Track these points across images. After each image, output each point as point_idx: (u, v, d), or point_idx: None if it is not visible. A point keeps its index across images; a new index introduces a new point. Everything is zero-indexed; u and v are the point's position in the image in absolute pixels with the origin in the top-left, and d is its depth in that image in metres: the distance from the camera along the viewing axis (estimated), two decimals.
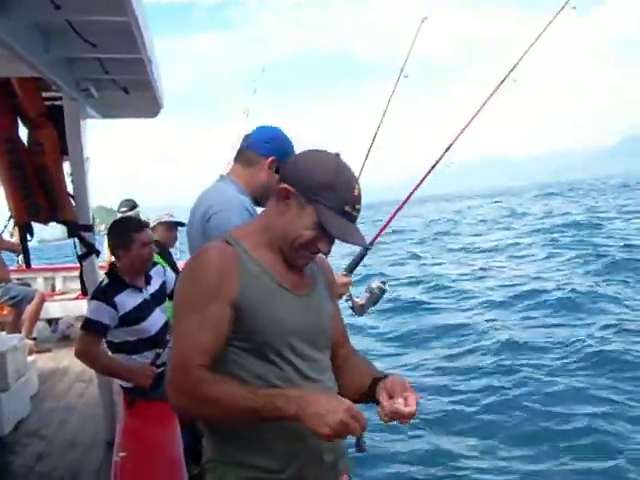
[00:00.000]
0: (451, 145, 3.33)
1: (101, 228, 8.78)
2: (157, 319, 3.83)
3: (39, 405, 5.25)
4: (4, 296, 6.91)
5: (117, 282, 3.76)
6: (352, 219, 1.75)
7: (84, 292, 4.17)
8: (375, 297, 2.95)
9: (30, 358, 5.50)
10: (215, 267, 1.69)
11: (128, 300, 3.71)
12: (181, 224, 5.53)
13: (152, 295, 3.86)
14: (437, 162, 3.36)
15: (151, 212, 6.74)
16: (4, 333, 7.04)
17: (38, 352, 6.62)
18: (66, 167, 4.06)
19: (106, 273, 3.88)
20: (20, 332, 6.66)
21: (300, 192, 1.73)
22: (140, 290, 3.81)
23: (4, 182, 3.86)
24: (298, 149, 2.37)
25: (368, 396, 1.82)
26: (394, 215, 3.47)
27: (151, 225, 5.17)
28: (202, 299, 1.67)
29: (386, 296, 3.06)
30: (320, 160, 1.77)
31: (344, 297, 2.78)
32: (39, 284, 8.31)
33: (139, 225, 3.89)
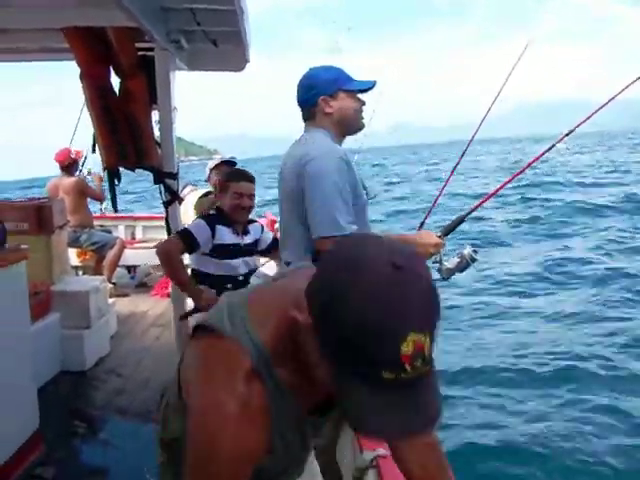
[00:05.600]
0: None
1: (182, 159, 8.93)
2: (243, 265, 4.00)
3: (117, 345, 5.50)
4: (87, 241, 7.22)
5: (223, 217, 3.93)
6: (408, 382, 1.00)
7: None
8: (464, 264, 2.81)
9: (110, 301, 5.75)
10: (238, 449, 1.15)
11: (226, 235, 3.88)
12: (231, 162, 5.56)
13: (246, 245, 4.02)
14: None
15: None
16: (86, 276, 7.38)
17: (117, 296, 6.89)
18: (154, 116, 4.18)
19: (215, 207, 4.08)
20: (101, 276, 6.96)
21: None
22: (238, 234, 3.97)
23: (96, 128, 4.02)
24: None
25: None
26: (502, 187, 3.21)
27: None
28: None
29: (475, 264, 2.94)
30: (358, 296, 0.98)
31: (433, 258, 2.75)
32: (120, 232, 8.57)
33: (237, 175, 4.01)
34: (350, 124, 2.66)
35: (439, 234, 2.69)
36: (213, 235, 3.80)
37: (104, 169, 4.10)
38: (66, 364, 4.80)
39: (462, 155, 3.46)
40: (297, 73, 2.62)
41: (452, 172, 3.52)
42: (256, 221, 4.25)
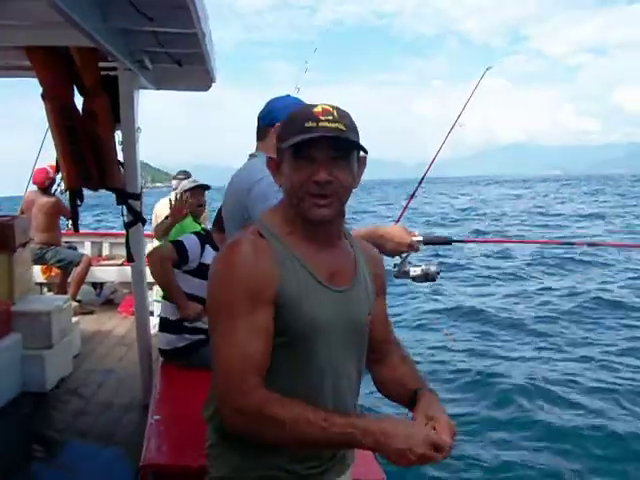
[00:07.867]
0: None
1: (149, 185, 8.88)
2: None
3: (80, 365, 5.42)
4: (53, 258, 7.14)
5: (212, 241, 3.97)
6: (319, 130, 1.48)
7: (129, 259, 4.26)
8: (423, 278, 2.67)
9: (74, 319, 5.66)
10: (251, 264, 1.49)
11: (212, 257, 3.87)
12: (206, 186, 5.53)
13: None
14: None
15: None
16: (51, 294, 7.28)
17: (82, 314, 6.81)
18: (117, 136, 4.15)
19: (203, 229, 4.18)
20: (66, 293, 6.87)
21: (278, 153, 1.59)
22: None
23: (58, 148, 3.97)
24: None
25: (406, 406, 1.67)
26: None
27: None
28: (244, 302, 1.47)
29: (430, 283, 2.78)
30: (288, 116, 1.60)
31: (399, 256, 2.58)
32: (86, 248, 8.49)
33: None
34: None
35: (420, 238, 2.53)
36: (202, 253, 3.86)
37: (66, 190, 4.04)
38: (27, 385, 4.71)
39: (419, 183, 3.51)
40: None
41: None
42: None
